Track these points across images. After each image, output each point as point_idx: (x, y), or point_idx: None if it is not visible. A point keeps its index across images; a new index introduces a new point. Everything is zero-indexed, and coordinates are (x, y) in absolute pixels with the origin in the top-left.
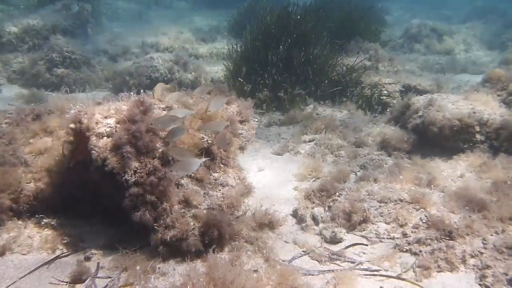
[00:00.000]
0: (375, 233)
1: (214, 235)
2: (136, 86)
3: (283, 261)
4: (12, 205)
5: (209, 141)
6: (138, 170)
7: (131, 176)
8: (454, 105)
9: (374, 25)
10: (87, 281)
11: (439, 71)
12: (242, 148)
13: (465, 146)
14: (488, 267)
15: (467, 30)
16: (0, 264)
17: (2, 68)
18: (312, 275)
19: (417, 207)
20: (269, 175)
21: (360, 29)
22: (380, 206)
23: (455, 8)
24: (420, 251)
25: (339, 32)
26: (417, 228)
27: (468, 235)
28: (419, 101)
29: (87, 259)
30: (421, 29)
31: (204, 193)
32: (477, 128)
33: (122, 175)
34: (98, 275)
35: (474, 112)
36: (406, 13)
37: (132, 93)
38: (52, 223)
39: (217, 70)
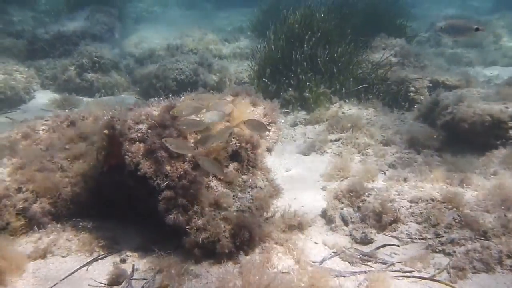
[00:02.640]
0: (407, 234)
1: (244, 237)
2: (163, 88)
3: (313, 262)
4: (51, 209)
5: (237, 144)
6: (170, 174)
7: (163, 180)
8: (485, 100)
9: (400, 19)
10: (123, 283)
11: (468, 65)
12: (269, 150)
13: (498, 142)
14: None
15: (496, 21)
16: (42, 267)
17: (36, 74)
18: (344, 276)
19: (450, 206)
20: (296, 175)
21: (385, 24)
22: (410, 206)
23: None
24: (454, 251)
25: (363, 29)
26: (450, 228)
27: (504, 235)
28: (448, 97)
29: (123, 261)
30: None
31: (233, 196)
32: (510, 124)
33: (155, 179)
34: (134, 277)
35: (507, 107)
36: (432, 5)
37: (161, 98)
38: (88, 226)
39: (241, 70)
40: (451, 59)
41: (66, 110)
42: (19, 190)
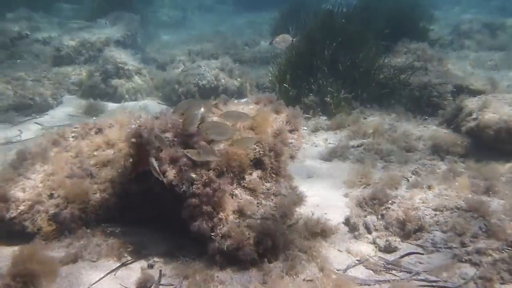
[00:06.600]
0: (432, 242)
1: (268, 245)
2: (184, 94)
3: (337, 270)
4: (81, 215)
5: (261, 152)
6: (195, 182)
7: (188, 188)
8: (511, 106)
9: (422, 23)
10: None
11: (493, 68)
12: (292, 157)
13: None
14: None
15: None
16: (74, 271)
17: (62, 80)
18: (369, 285)
19: (475, 215)
20: (318, 182)
21: (407, 28)
22: (435, 214)
23: None
24: (481, 261)
25: (385, 33)
26: (476, 237)
27: None
28: (472, 102)
29: (150, 266)
30: (472, 25)
31: (257, 203)
32: None
33: (181, 186)
34: (161, 283)
35: None
36: (455, 6)
37: None
38: (116, 231)
39: (262, 75)
40: (475, 62)
41: (94, 118)
42: (50, 196)
